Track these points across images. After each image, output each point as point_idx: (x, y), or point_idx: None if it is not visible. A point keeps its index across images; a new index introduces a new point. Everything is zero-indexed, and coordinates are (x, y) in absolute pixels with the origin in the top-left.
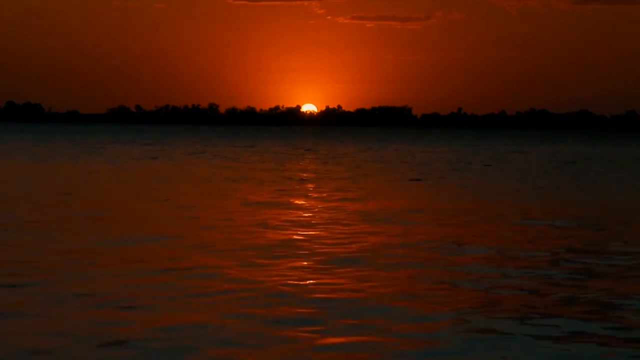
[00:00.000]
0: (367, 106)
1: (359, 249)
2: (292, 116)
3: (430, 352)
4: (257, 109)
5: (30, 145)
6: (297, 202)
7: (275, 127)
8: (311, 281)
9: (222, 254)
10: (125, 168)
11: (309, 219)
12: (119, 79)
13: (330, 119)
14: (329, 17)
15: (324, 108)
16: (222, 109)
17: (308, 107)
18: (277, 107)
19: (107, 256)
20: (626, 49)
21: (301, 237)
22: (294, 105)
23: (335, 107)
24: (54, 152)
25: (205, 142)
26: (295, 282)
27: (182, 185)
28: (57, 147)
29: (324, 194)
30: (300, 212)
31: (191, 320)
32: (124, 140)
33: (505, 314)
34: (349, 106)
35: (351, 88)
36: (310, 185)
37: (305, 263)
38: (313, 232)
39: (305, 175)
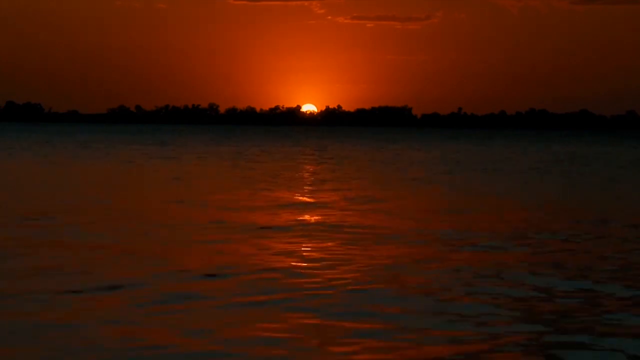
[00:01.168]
0: (367, 106)
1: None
2: (292, 116)
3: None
4: (257, 109)
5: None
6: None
7: (276, 127)
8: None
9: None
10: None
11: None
12: (119, 79)
13: (330, 119)
14: (329, 17)
15: (323, 108)
16: (222, 109)
17: (308, 107)
18: (277, 107)
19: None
20: (626, 49)
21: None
22: (294, 105)
23: (335, 107)
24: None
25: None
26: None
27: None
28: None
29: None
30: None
31: None
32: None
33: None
34: (349, 106)
35: (351, 88)
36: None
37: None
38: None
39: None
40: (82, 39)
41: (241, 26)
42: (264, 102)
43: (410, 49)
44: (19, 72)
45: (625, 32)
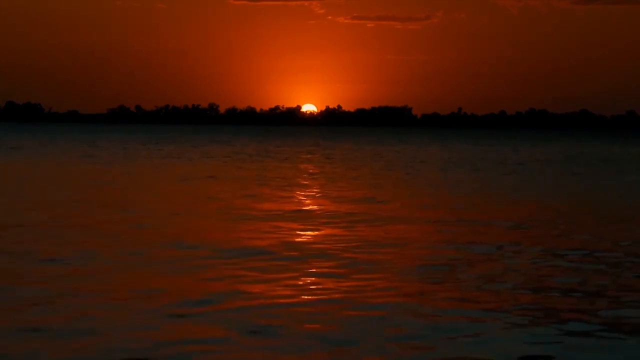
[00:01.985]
0: (367, 106)
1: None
2: (292, 116)
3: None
4: (257, 109)
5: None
6: None
7: (276, 127)
8: None
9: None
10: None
11: None
12: (119, 79)
13: (330, 119)
14: (329, 17)
15: (324, 108)
16: (222, 109)
17: (308, 107)
18: (277, 107)
19: None
20: (626, 49)
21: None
22: (294, 105)
23: (335, 107)
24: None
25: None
26: None
27: None
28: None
29: None
30: None
31: None
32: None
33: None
34: (349, 106)
35: (351, 88)
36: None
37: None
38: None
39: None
40: (82, 39)
41: (241, 26)
42: (264, 102)
43: (410, 49)
44: (19, 72)
45: (625, 32)
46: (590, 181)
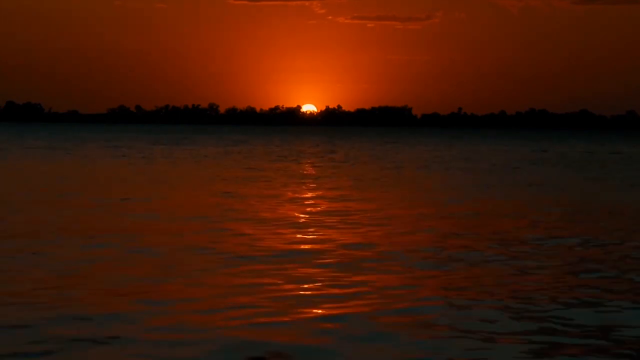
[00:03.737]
0: (367, 106)
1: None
2: (292, 116)
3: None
4: (257, 109)
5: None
6: None
7: (276, 127)
8: None
9: None
10: None
11: None
12: (119, 79)
13: (330, 119)
14: (329, 17)
15: (324, 108)
16: (222, 109)
17: (308, 107)
18: (277, 107)
19: None
20: (626, 49)
21: None
22: (294, 105)
23: (335, 107)
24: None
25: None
26: None
27: None
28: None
29: None
30: None
31: None
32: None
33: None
34: (349, 106)
35: (351, 88)
36: None
37: None
38: None
39: None
40: (82, 39)
41: (241, 26)
42: (264, 102)
43: (410, 49)
44: (19, 72)
45: (625, 32)
46: None
